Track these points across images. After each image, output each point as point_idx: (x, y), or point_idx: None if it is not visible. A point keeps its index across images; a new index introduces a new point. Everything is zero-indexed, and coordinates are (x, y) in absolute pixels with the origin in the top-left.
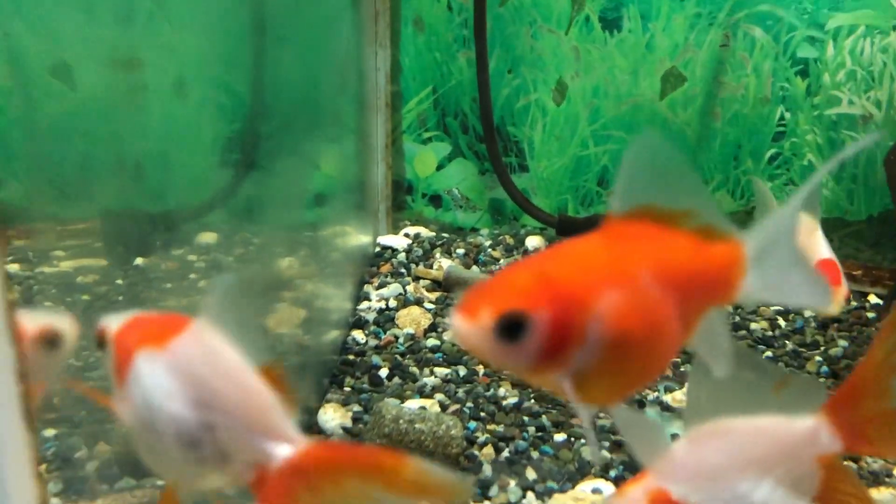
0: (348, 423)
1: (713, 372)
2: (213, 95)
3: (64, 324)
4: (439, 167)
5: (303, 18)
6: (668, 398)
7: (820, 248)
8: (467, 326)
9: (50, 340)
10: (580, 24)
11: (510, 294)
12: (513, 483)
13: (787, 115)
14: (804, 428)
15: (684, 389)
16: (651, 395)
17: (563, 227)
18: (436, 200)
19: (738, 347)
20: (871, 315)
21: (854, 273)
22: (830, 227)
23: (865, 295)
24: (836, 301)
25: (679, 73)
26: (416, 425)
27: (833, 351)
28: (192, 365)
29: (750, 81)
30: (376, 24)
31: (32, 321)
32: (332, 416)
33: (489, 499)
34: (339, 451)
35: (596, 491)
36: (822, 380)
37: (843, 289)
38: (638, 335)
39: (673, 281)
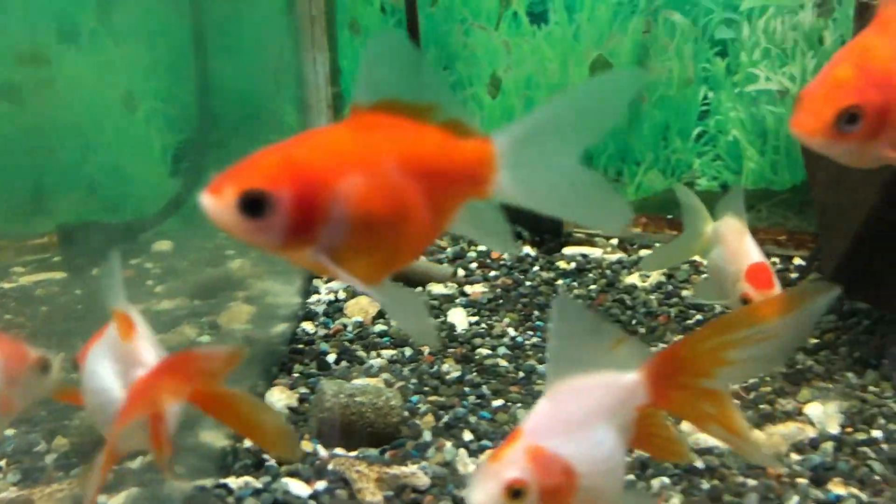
0: (294, 404)
1: (498, 250)
2: (160, 107)
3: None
4: None
5: (240, 28)
6: None
7: (750, 251)
8: (213, 204)
9: (44, 367)
10: (509, 20)
11: (253, 174)
12: (449, 444)
13: (711, 95)
14: (629, 382)
15: None
16: None
17: (507, 214)
18: None
19: (584, 312)
20: (794, 276)
21: (779, 238)
22: (758, 198)
23: (790, 258)
24: None
25: (606, 60)
26: (357, 398)
27: None
28: (108, 336)
29: (673, 64)
30: (313, 28)
31: (32, 350)
32: (279, 398)
33: (426, 459)
34: (171, 363)
35: None
36: None
37: (777, 290)
38: (381, 216)
39: (418, 170)
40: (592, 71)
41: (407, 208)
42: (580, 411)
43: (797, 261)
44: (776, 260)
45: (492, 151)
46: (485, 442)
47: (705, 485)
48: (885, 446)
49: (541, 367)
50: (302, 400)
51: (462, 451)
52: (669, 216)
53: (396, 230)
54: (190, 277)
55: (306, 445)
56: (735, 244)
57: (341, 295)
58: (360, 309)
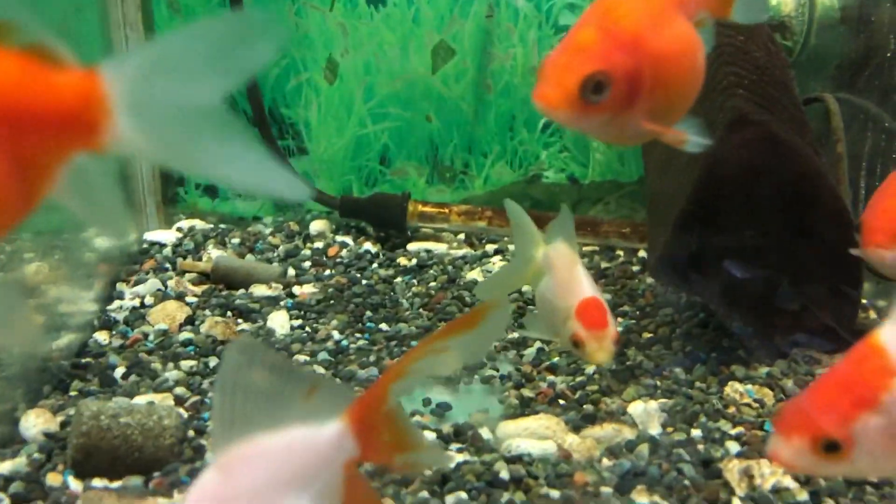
0: (54, 429)
1: (109, 234)
2: None
3: None
4: None
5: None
6: None
7: (581, 285)
8: None
9: None
10: (344, 0)
11: None
12: None
13: None
14: (331, 434)
15: None
16: None
17: (347, 209)
18: (211, 191)
19: (267, 355)
20: (636, 269)
21: (623, 231)
22: (606, 190)
23: (635, 251)
24: (603, 348)
25: (448, 46)
26: (122, 419)
27: None
28: None
29: (517, 51)
30: (123, 5)
31: None
32: (34, 423)
33: None
34: None
35: None
36: None
37: (611, 331)
38: None
39: None
40: (434, 57)
41: None
42: (259, 481)
43: (642, 253)
44: (620, 252)
45: (102, 87)
46: None
47: (506, 497)
48: (701, 447)
49: (361, 373)
50: (65, 424)
51: None
52: None
53: None
54: None
55: (54, 479)
56: (565, 275)
57: (148, 300)
58: (167, 315)
